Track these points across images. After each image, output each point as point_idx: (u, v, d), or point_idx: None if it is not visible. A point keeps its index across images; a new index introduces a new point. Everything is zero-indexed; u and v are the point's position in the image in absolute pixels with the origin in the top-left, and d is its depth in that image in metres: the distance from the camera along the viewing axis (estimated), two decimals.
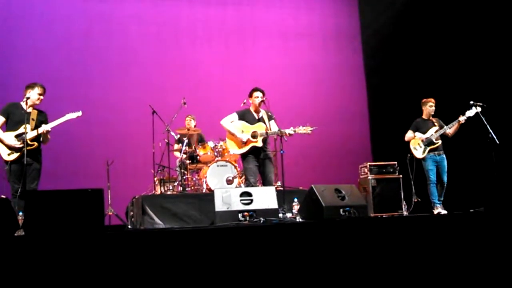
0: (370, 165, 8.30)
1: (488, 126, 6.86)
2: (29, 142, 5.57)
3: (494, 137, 6.79)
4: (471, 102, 7.10)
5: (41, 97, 5.79)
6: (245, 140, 6.44)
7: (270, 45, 10.80)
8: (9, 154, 5.57)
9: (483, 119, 6.95)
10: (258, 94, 6.58)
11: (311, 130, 6.35)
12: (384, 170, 8.26)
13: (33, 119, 5.70)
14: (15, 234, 4.24)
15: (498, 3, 8.16)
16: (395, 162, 8.24)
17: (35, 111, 5.79)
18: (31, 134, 5.62)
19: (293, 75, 10.70)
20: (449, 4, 9.03)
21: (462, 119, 7.20)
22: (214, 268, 3.75)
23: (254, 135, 6.48)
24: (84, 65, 9.51)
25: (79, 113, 6.03)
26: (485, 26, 8.35)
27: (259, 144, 6.45)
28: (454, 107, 7.97)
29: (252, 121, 6.59)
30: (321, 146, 10.46)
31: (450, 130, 7.34)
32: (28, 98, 5.63)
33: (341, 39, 11.26)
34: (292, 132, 6.32)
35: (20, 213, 5.23)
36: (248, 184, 6.53)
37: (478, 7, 8.47)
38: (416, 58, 9.66)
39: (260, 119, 6.59)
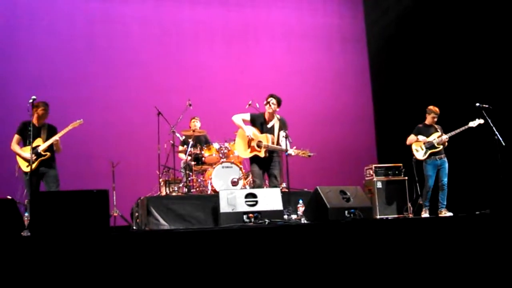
0: (375, 167, 8.30)
1: (494, 128, 6.85)
2: (42, 152, 6.25)
3: (500, 139, 6.78)
4: (477, 104, 7.10)
5: (45, 112, 6.39)
6: (251, 136, 6.47)
7: (273, 46, 10.79)
8: (27, 166, 6.15)
9: (489, 121, 6.94)
10: (270, 100, 6.53)
11: (309, 155, 6.41)
12: (389, 172, 8.26)
13: (44, 133, 6.37)
14: (21, 235, 4.26)
15: (504, 4, 8.13)
16: (401, 164, 8.23)
17: (46, 126, 6.44)
18: (43, 146, 6.28)
19: (297, 77, 10.68)
20: (453, 5, 9.01)
21: (462, 129, 7.27)
22: (219, 269, 3.75)
23: (259, 145, 6.50)
24: (87, 66, 9.52)
25: (81, 121, 6.53)
26: (491, 27, 8.32)
27: (262, 154, 6.46)
28: (459, 109, 7.96)
29: (261, 128, 6.58)
30: (326, 148, 10.42)
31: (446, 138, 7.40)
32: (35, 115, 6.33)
33: (346, 41, 11.24)
34: (293, 154, 6.34)
35: (26, 214, 5.28)
36: (254, 186, 6.58)
37: (483, 8, 8.44)
38: (422, 60, 9.64)
39: (270, 129, 6.57)
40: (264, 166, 6.60)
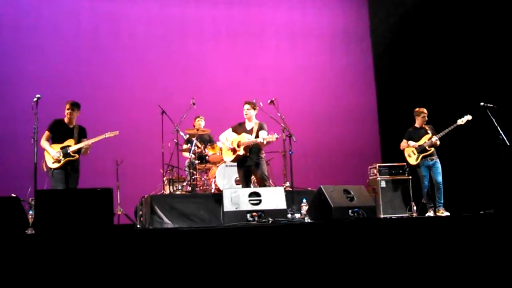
0: (379, 166, 8.28)
1: (498, 128, 6.83)
2: (72, 154, 6.30)
3: (505, 138, 6.76)
4: (482, 104, 7.08)
5: (68, 111, 6.38)
6: (231, 147, 6.80)
7: (278, 45, 10.78)
8: (53, 163, 6.24)
9: (494, 120, 6.92)
10: (244, 107, 6.83)
11: (276, 138, 6.47)
12: (393, 172, 8.24)
13: (75, 135, 6.42)
14: (26, 233, 4.27)
15: (508, 3, 8.11)
16: (405, 164, 8.21)
17: (77, 127, 6.48)
18: (74, 147, 6.33)
19: (301, 76, 10.67)
20: (458, 4, 8.98)
21: (451, 128, 7.27)
22: (222, 268, 3.75)
23: (238, 145, 6.71)
24: (92, 65, 9.53)
25: (116, 132, 6.68)
26: (495, 26, 8.30)
27: (241, 152, 6.65)
28: (463, 108, 7.94)
29: (241, 132, 6.83)
30: (330, 147, 10.44)
31: (438, 141, 7.38)
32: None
33: (350, 40, 11.22)
34: (262, 141, 6.46)
35: (31, 212, 5.29)
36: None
37: (488, 8, 8.41)
38: (426, 59, 9.62)
39: (249, 131, 6.77)
40: (249, 170, 6.76)
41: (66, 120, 6.42)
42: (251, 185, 6.94)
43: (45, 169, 6.31)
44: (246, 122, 6.88)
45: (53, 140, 6.36)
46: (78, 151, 6.37)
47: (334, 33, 11.15)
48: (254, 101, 6.87)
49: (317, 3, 11.21)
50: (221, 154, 7.85)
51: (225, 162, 7.61)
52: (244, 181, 6.77)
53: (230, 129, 6.96)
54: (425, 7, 9.74)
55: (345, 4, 11.41)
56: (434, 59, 9.44)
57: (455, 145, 7.57)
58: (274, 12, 10.90)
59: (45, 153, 6.30)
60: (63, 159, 6.22)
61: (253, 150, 6.68)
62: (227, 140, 6.91)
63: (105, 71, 9.59)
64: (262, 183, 6.64)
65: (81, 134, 6.48)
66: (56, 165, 6.22)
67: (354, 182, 7.32)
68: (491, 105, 7.04)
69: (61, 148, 6.27)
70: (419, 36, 9.82)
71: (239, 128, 6.90)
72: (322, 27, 11.10)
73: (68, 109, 6.37)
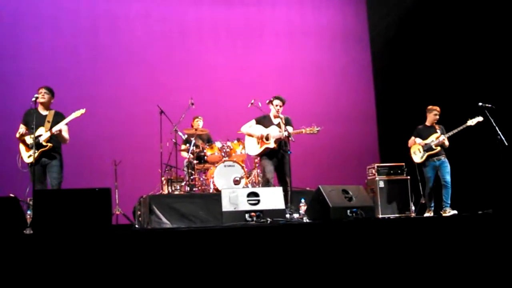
0: (377, 166, 8.28)
1: (497, 128, 6.83)
2: (43, 143, 5.89)
3: (503, 138, 6.76)
4: (480, 104, 7.07)
5: (39, 96, 6.00)
6: (265, 134, 6.66)
7: (277, 44, 10.79)
8: (29, 157, 5.84)
9: (492, 121, 6.92)
10: (277, 102, 6.71)
11: (317, 130, 6.41)
12: (391, 171, 8.24)
13: (48, 121, 6.01)
14: (24, 233, 4.27)
15: (505, 3, 8.11)
16: (403, 164, 8.22)
17: (52, 113, 6.09)
18: (45, 135, 5.91)
19: (300, 75, 10.68)
20: (457, 4, 8.99)
21: (460, 128, 7.26)
22: (220, 268, 3.75)
23: (267, 137, 6.63)
24: (90, 64, 9.54)
25: (83, 111, 6.14)
26: (494, 26, 8.30)
27: (271, 145, 6.60)
28: (462, 108, 7.95)
29: (268, 125, 6.75)
30: (328, 147, 10.44)
31: (446, 142, 7.36)
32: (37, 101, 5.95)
33: (349, 39, 11.23)
34: (290, 136, 6.39)
35: (29, 212, 5.28)
36: (263, 180, 6.72)
37: (487, 6, 8.41)
38: (424, 58, 9.62)
39: (277, 125, 6.70)
40: (275, 164, 6.67)
41: (39, 107, 6.05)
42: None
43: (20, 166, 5.97)
44: (272, 115, 6.83)
45: (29, 131, 5.95)
46: (52, 140, 5.95)
47: (333, 31, 11.16)
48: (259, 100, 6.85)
49: (315, 2, 11.22)
50: (220, 153, 7.86)
51: (223, 162, 7.61)
52: (270, 172, 6.61)
53: (254, 121, 6.87)
54: (424, 5, 9.74)
55: (344, 2, 11.42)
56: (433, 58, 9.44)
57: (453, 145, 7.56)
58: (273, 11, 10.91)
59: (20, 147, 5.97)
60: (36, 151, 5.74)
61: (282, 144, 6.66)
62: (254, 132, 6.76)
63: (104, 70, 9.60)
64: (286, 179, 6.59)
65: (56, 120, 6.05)
66: (32, 158, 5.70)
67: (352, 182, 7.32)
68: (490, 105, 7.04)
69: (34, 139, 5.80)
70: (418, 34, 9.82)
71: (264, 120, 6.82)
72: (320, 26, 11.11)
73: (40, 93, 6.03)
